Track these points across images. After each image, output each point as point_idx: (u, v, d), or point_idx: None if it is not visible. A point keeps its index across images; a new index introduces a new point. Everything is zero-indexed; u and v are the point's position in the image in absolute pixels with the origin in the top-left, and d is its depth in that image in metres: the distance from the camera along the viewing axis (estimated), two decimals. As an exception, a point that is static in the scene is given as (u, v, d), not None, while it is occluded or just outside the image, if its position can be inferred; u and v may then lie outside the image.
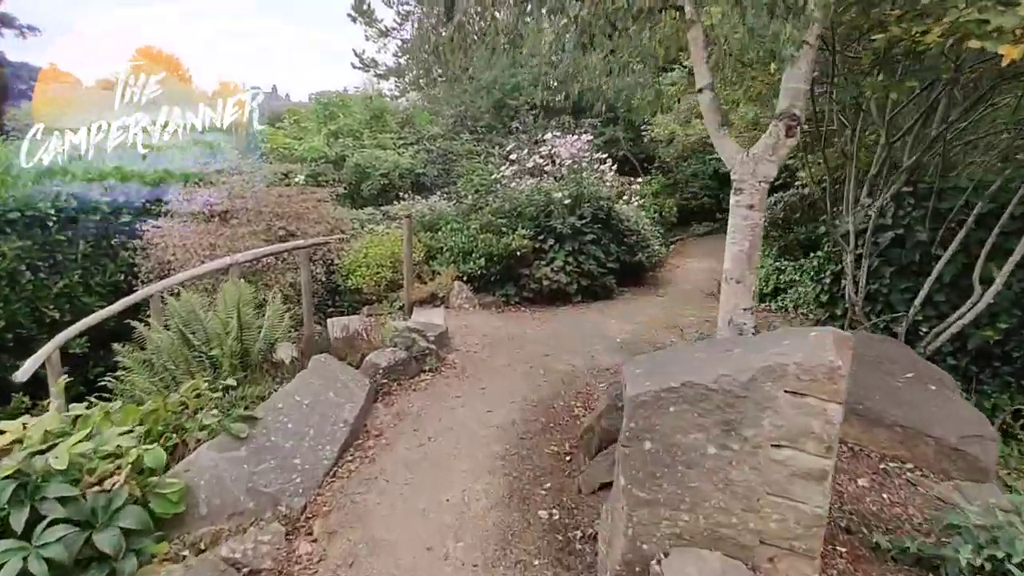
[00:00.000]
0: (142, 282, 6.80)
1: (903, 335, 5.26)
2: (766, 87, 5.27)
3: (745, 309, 4.17)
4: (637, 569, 2.37)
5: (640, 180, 13.12)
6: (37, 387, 4.89)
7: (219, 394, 3.94)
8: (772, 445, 2.21)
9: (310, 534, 3.10)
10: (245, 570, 2.79)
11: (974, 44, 3.35)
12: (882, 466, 3.32)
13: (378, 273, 7.87)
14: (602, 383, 5.22)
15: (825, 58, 4.84)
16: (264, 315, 5.47)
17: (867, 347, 3.97)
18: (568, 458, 3.82)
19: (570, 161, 10.03)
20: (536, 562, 2.89)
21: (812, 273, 6.70)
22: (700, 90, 4.26)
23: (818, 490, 2.20)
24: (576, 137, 10.56)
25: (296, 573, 2.84)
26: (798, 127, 3.95)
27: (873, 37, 3.81)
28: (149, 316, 5.55)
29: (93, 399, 4.52)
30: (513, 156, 10.69)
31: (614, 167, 10.91)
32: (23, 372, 4.14)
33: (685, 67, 7.85)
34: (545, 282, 8.13)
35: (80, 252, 6.73)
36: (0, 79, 18.93)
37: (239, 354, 4.94)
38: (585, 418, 4.30)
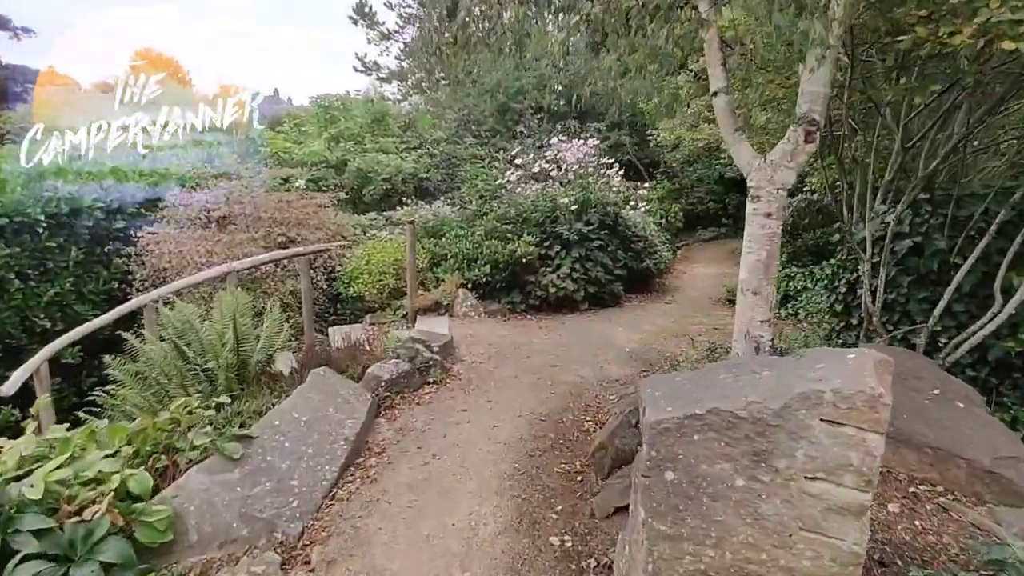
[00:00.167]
0: (137, 290, 6.66)
1: (922, 346, 5.07)
2: (782, 91, 5.09)
3: (762, 321, 4.00)
4: (658, 608, 2.19)
5: (647, 185, 12.96)
6: (28, 398, 4.73)
7: (212, 411, 3.75)
8: (806, 477, 2.03)
9: (307, 563, 2.92)
10: (237, 603, 2.62)
11: (1007, 45, 3.18)
12: (911, 489, 3.14)
13: (381, 280, 7.72)
14: (612, 395, 5.04)
15: (843, 63, 4.67)
16: (262, 325, 5.32)
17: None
18: (579, 478, 3.64)
19: (576, 166, 9.89)
20: (547, 594, 2.71)
21: (825, 281, 6.50)
22: (715, 93, 4.10)
23: (856, 526, 2.02)
24: (582, 142, 10.41)
25: (291, 606, 2.67)
26: (817, 132, 3.79)
27: (898, 39, 3.63)
28: (144, 326, 5.42)
29: (82, 414, 4.39)
30: (518, 161, 10.55)
31: (620, 172, 10.74)
32: (9, 385, 4.00)
33: (691, 71, 7.68)
34: (552, 289, 7.96)
35: (72, 259, 6.58)
36: (-4, 82, 18.85)
37: (236, 367, 4.78)
38: (596, 434, 4.13)
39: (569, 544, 3.02)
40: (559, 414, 4.67)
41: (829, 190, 6.27)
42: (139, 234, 7.14)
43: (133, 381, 4.66)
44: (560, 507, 3.34)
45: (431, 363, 5.32)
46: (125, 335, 4.92)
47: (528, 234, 8.29)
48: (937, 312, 4.91)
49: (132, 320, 5.59)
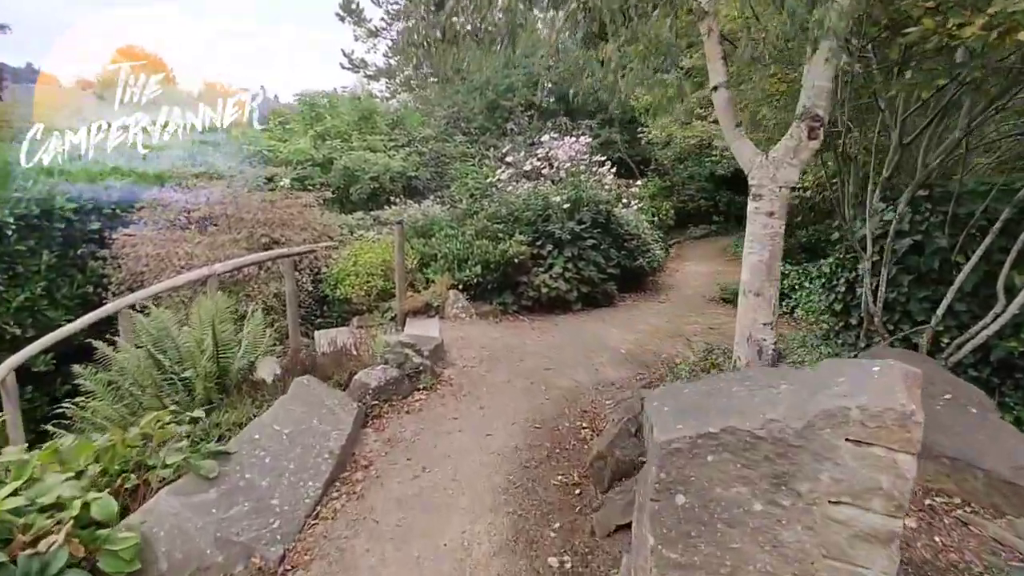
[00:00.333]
0: (113, 294, 6.41)
1: (924, 347, 4.95)
2: (784, 86, 4.93)
3: (765, 324, 3.84)
4: (668, 643, 2.02)
5: (639, 183, 12.82)
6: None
7: (187, 426, 3.53)
8: (830, 502, 1.86)
9: (288, 590, 2.73)
10: (211, 638, 2.42)
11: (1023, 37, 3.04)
12: (928, 502, 2.98)
13: (368, 282, 7.50)
14: (608, 400, 4.86)
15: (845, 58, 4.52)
16: (244, 330, 5.09)
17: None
18: (578, 491, 3.45)
19: (568, 164, 9.70)
20: (546, 621, 2.53)
21: (823, 280, 6.37)
22: (715, 88, 3.93)
23: (884, 554, 1.85)
24: (574, 139, 10.22)
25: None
26: (821, 128, 3.64)
27: (906, 31, 3.48)
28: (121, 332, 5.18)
29: (51, 426, 4.15)
30: (509, 159, 10.35)
31: (613, 169, 10.57)
32: (-29, 399, 3.74)
33: (682, 68, 7.52)
34: (544, 290, 7.78)
35: (44, 263, 6.30)
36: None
37: (215, 375, 4.55)
38: (593, 442, 3.96)
39: (569, 565, 2.84)
40: (554, 421, 4.49)
41: (828, 187, 6.13)
42: (115, 236, 6.87)
43: (105, 392, 4.43)
44: (558, 524, 3.16)
45: (421, 368, 5.12)
46: (96, 343, 4.68)
47: (520, 233, 8.11)
48: (940, 312, 4.79)
49: (109, 326, 5.34)
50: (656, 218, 13.39)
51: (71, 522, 2.37)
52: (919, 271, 5.16)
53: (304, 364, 5.12)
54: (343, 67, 20.61)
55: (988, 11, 3.15)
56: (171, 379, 4.42)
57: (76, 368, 4.40)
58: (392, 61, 20.27)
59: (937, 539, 2.69)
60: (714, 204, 16.28)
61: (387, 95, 20.14)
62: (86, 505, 2.53)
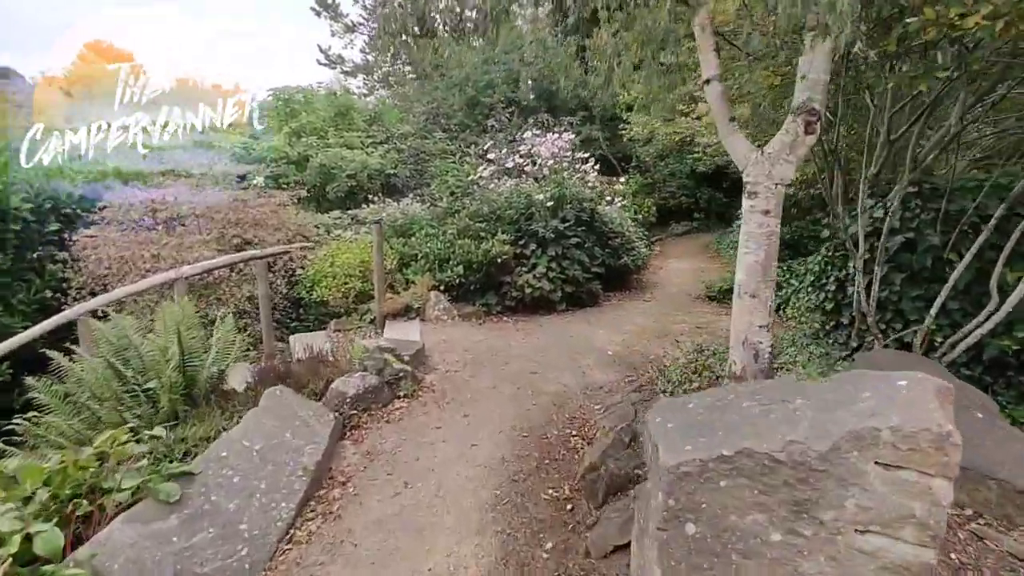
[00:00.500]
0: (74, 299, 6.06)
1: (918, 347, 4.86)
2: (778, 78, 4.79)
3: (761, 326, 3.69)
4: None
5: (623, 180, 12.68)
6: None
7: (148, 444, 3.26)
8: (857, 531, 1.69)
9: (257, 626, 2.49)
10: None
11: (1028, 27, 2.92)
12: (936, 513, 2.85)
13: (346, 284, 7.23)
14: (597, 405, 4.68)
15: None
16: (214, 336, 4.81)
17: (897, 365, 3.49)
18: (570, 506, 3.26)
19: (551, 161, 9.51)
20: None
21: (812, 278, 6.25)
22: (707, 81, 3.77)
23: (915, 587, 1.69)
24: (557, 136, 10.03)
25: None
26: (818, 122, 3.49)
27: (907, 21, 3.34)
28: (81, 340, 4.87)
29: (2, 444, 3.84)
30: (491, 156, 10.12)
31: (596, 166, 10.41)
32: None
33: (663, 64, 7.37)
34: (528, 290, 7.58)
35: (-3, 266, 5.92)
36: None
37: (181, 386, 4.27)
38: (584, 451, 3.77)
39: (563, 591, 2.65)
40: (542, 428, 4.30)
41: (814, 183, 6.02)
42: (75, 237, 6.51)
43: (61, 405, 4.13)
44: (551, 544, 2.96)
45: (401, 375, 4.88)
46: (50, 352, 4.36)
47: (502, 232, 7.89)
48: (934, 311, 4.70)
49: (70, 332, 5.04)
50: (639, 215, 13.28)
51: (8, 561, 2.11)
52: (911, 269, 5.07)
53: (278, 372, 4.85)
54: (319, 63, 20.25)
55: (991, 1, 3.02)
56: (133, 391, 4.14)
57: (29, 380, 4.09)
58: (370, 57, 19.94)
59: (954, 556, 2.54)
60: (695, 201, 16.25)
61: (365, 91, 19.79)
62: (28, 538, 2.27)
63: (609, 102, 10.07)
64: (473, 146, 11.98)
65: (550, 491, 3.44)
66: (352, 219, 9.72)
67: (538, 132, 10.70)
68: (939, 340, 4.86)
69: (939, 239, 4.94)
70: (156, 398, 4.15)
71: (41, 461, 3.06)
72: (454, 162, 11.55)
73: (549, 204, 8.25)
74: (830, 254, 5.95)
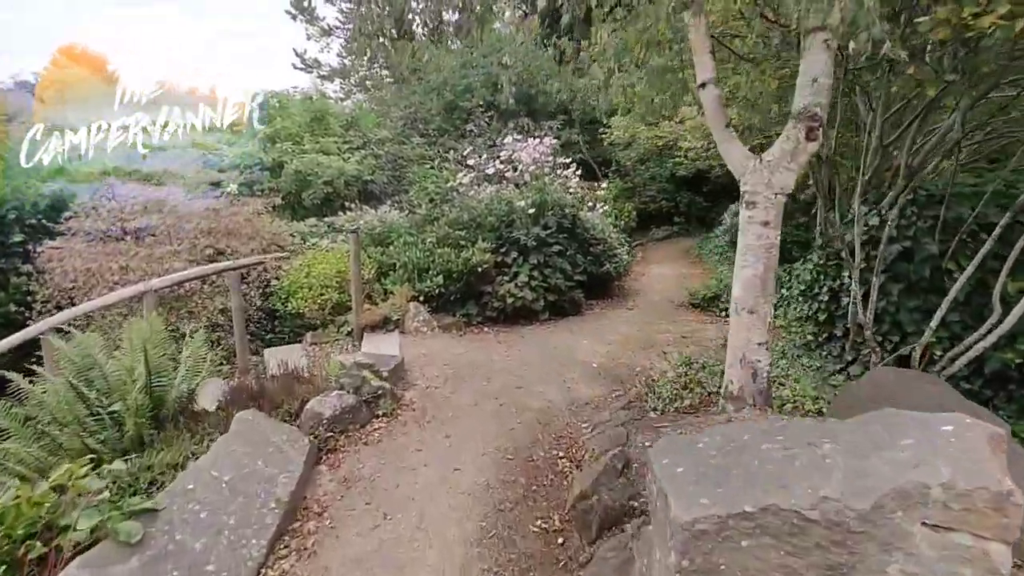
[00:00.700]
0: (39, 313, 5.77)
1: (917, 360, 4.77)
2: (775, 81, 4.71)
3: (759, 344, 3.56)
4: None
5: (604, 185, 12.61)
6: None
7: (105, 481, 3.04)
8: (898, 598, 1.55)
9: None
10: None
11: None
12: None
13: (322, 295, 7.00)
14: (584, 423, 4.53)
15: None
16: (184, 353, 4.58)
17: (904, 387, 3.41)
18: (561, 540, 3.10)
19: (532, 166, 9.37)
20: None
21: (803, 287, 6.19)
22: (702, 85, 3.65)
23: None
24: (538, 140, 9.89)
25: None
26: (820, 128, 3.37)
27: (917, 20, 3.26)
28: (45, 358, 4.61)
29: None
30: (471, 161, 9.96)
31: (578, 171, 10.30)
32: None
33: (671, 66, 7.34)
34: (509, 299, 7.42)
35: (-43, 280, 5.62)
36: None
37: (148, 408, 4.02)
38: (574, 476, 3.62)
39: (556, 635, 2.50)
40: (528, 449, 4.14)
41: (805, 189, 5.97)
42: (40, 249, 6.22)
43: (22, 430, 3.87)
44: (541, 583, 2.81)
45: (380, 392, 4.69)
46: (8, 374, 4.10)
47: (483, 240, 7.73)
48: (934, 323, 4.60)
49: (36, 348, 4.78)
50: (620, 221, 13.23)
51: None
52: (909, 279, 4.97)
53: (250, 391, 4.62)
54: (295, 67, 19.86)
55: None
56: (97, 414, 3.88)
57: (-21, 404, 3.82)
58: (346, 61, 19.63)
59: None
60: (675, 205, 16.29)
61: (341, 96, 19.47)
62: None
63: (604, 106, 9.95)
64: (452, 151, 11.78)
65: (539, 522, 3.27)
66: (329, 227, 9.47)
67: (518, 137, 10.56)
68: (938, 353, 4.79)
69: (937, 248, 4.88)
70: (121, 421, 3.91)
71: (-3, 493, 2.83)
72: (433, 168, 11.37)
73: (530, 211, 8.12)
74: (822, 262, 5.87)
